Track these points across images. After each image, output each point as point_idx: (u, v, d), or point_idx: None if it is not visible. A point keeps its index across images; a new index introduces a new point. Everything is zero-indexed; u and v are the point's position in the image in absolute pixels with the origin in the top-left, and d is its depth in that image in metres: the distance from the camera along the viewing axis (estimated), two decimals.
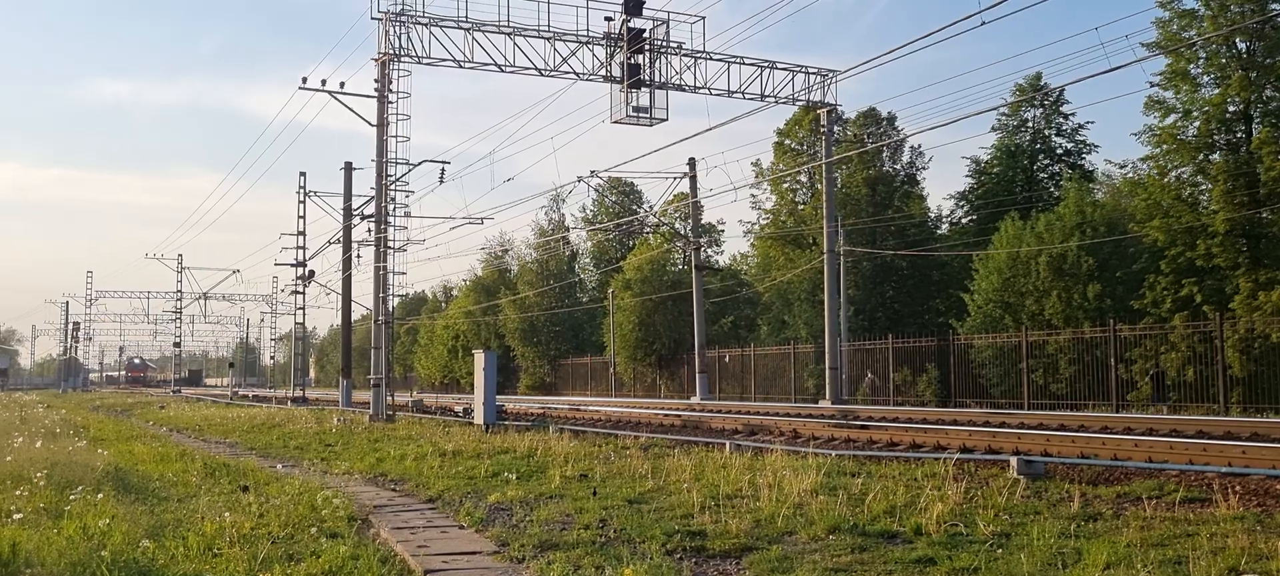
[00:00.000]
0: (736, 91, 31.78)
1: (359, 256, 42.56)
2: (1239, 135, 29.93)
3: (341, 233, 43.74)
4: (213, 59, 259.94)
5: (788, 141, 47.71)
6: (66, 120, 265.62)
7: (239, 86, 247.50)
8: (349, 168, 43.67)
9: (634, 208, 62.98)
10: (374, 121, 28.73)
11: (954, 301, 40.14)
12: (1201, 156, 30.19)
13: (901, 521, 8.24)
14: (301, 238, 48.52)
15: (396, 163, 28.72)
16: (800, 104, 34.96)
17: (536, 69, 29.38)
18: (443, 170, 33.92)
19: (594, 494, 10.21)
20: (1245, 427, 17.71)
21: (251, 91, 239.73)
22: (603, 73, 30.13)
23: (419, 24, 28.29)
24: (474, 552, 7.79)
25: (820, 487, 9.96)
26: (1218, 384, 27.58)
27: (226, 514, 9.07)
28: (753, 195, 49.67)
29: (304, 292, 49.83)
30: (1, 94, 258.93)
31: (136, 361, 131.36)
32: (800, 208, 47.93)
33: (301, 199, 47.51)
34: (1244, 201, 28.55)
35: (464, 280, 78.28)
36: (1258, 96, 29.37)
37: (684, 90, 30.98)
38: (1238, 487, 9.95)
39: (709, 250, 55.32)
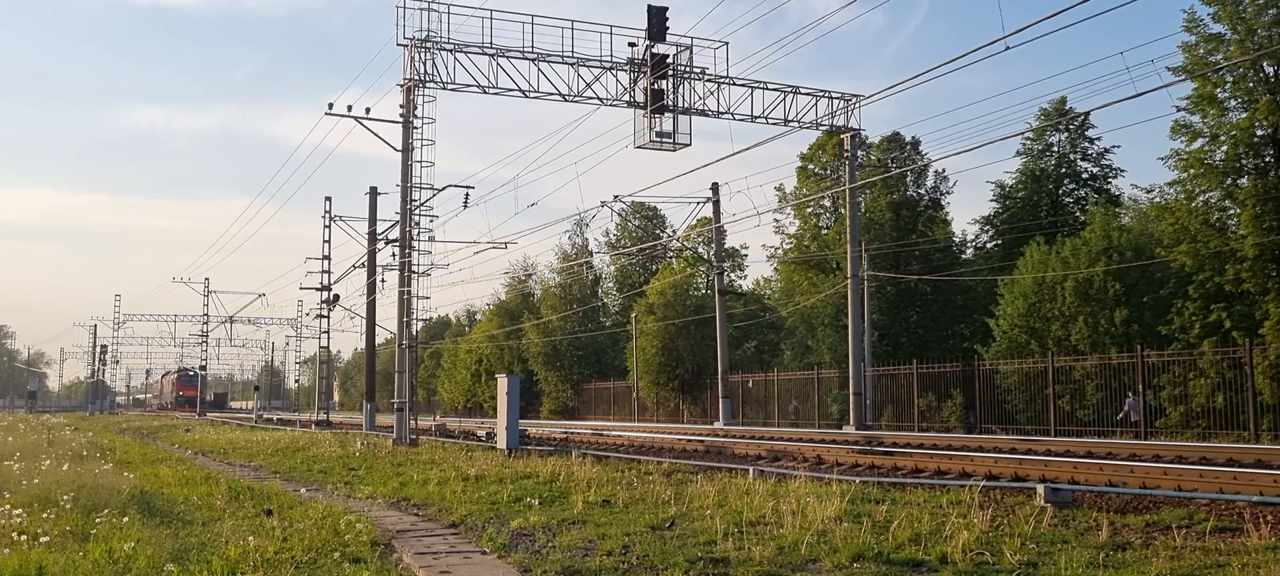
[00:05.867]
0: (760, 116, 31.76)
1: (383, 280, 42.85)
2: (1267, 159, 29.66)
3: (366, 257, 44.03)
4: (244, 86, 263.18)
5: (811, 166, 47.72)
6: (100, 146, 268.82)
7: (269, 113, 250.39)
8: (374, 192, 44.03)
9: (657, 232, 63.06)
10: (399, 146, 28.94)
11: (979, 326, 39.90)
12: (1229, 181, 29.94)
13: (927, 549, 8.16)
14: (326, 261, 48.89)
15: (421, 187, 28.92)
16: (824, 129, 34.90)
17: (560, 94, 29.52)
18: (467, 195, 34.12)
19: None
20: (1276, 455, 17.45)
21: (280, 118, 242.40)
22: (626, 98, 30.21)
23: (444, 50, 28.49)
24: None
25: (844, 514, 9.89)
26: (1247, 411, 27.24)
27: (250, 538, 9.09)
28: (776, 220, 49.78)
29: (329, 316, 50.13)
30: (37, 121, 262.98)
31: (190, 373, 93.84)
32: (824, 232, 47.87)
33: (327, 223, 47.86)
34: (1273, 226, 28.27)
35: (487, 304, 78.61)
36: None
37: (707, 115, 30.99)
38: (1269, 517, 9.80)
39: (732, 275, 55.26)
